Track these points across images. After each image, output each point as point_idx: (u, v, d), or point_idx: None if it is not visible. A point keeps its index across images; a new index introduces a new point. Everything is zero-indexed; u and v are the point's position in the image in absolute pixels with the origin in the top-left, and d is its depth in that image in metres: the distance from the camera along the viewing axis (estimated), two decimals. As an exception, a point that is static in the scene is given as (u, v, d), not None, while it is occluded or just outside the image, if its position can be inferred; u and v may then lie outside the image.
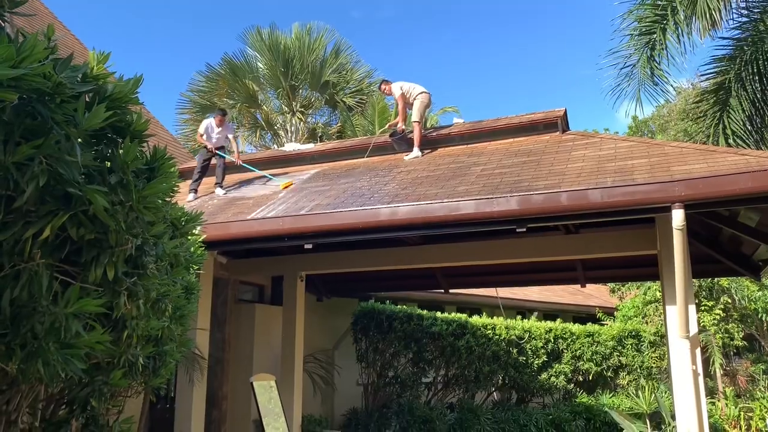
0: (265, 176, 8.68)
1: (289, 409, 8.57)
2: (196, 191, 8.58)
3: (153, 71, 47.88)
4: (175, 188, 2.84)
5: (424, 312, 12.52)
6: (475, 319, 12.99)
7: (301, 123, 19.67)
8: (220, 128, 8.89)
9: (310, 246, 6.90)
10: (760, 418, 12.89)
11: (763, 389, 14.61)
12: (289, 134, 19.50)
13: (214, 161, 8.90)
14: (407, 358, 12.03)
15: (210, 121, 8.96)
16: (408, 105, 9.01)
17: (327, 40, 19.22)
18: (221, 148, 8.90)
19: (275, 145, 19.22)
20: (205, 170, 8.78)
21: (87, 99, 2.06)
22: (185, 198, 8.37)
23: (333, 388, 11.44)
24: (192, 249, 3.99)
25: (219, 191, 8.52)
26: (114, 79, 2.20)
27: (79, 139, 1.93)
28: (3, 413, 2.55)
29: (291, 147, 10.25)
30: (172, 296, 3.36)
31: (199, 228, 3.97)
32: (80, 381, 2.80)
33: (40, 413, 2.91)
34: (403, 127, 8.94)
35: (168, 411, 8.24)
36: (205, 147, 8.85)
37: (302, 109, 19.70)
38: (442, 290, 11.61)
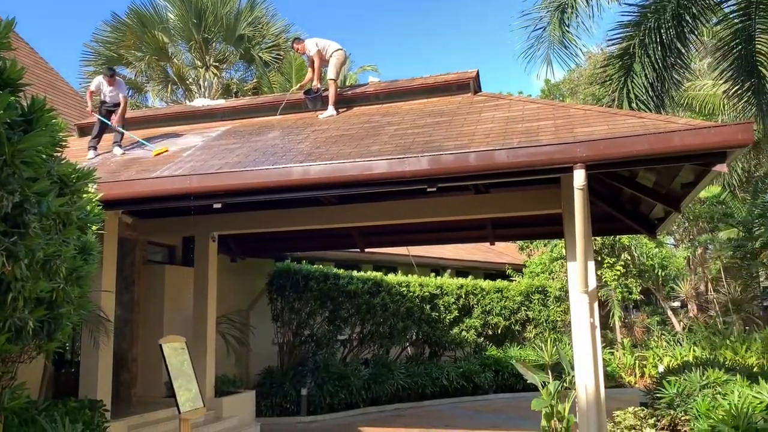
0: (140, 142, 8.19)
1: (201, 371, 8.48)
2: (95, 148, 8.12)
3: (56, 21, 44.79)
4: (62, 142, 2.66)
5: (341, 271, 12.61)
6: (391, 277, 13.21)
7: (215, 78, 18.99)
8: (112, 87, 8.39)
9: (219, 206, 6.73)
10: (652, 366, 13.91)
11: (656, 339, 15.75)
12: (203, 89, 18.82)
13: (114, 118, 8.42)
14: (323, 316, 12.13)
15: (101, 79, 8.45)
16: (324, 62, 8.85)
17: (242, -9, 18.51)
18: (116, 105, 8.39)
19: (187, 101, 18.49)
20: (104, 127, 8.31)
21: (-53, 42, 1.88)
22: (86, 155, 7.93)
23: (248, 349, 11.39)
24: (88, 208, 3.80)
25: (117, 150, 8.05)
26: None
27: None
28: None
29: (201, 102, 9.89)
30: (64, 257, 3.19)
31: (94, 186, 3.76)
32: (-40, 347, 2.64)
33: None
34: (318, 85, 8.79)
35: (74, 375, 7.96)
36: (95, 107, 8.39)
37: (216, 64, 19.00)
38: (359, 249, 11.70)
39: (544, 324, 15.51)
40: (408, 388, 12.06)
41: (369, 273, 13.07)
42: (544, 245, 18.05)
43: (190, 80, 19.18)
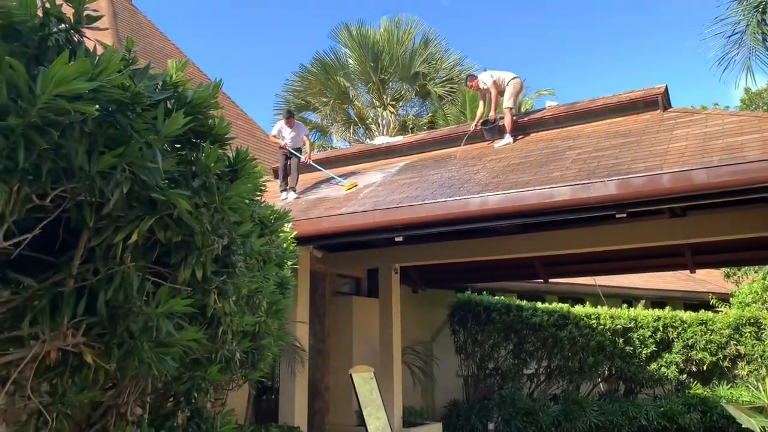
0: (333, 177, 8.67)
1: (389, 401, 8.65)
2: (287, 190, 8.77)
3: (250, 74, 49.75)
4: (262, 187, 2.90)
5: (524, 302, 12.26)
6: (578, 309, 12.57)
7: (392, 116, 19.79)
8: (291, 129, 8.91)
9: (400, 239, 6.90)
10: None
11: None
12: (381, 127, 19.68)
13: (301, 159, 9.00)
14: (507, 349, 11.84)
15: (281, 124, 9.04)
16: (500, 92, 8.80)
17: (415, 31, 19.25)
18: (297, 149, 8.93)
19: (368, 140, 19.44)
20: (287, 170, 8.91)
21: (168, 106, 2.13)
22: (279, 197, 8.59)
23: (433, 380, 11.43)
24: (284, 245, 4.08)
25: (291, 194, 8.56)
26: (195, 83, 2.28)
27: (164, 145, 2.00)
28: (113, 407, 2.71)
29: (380, 140, 10.31)
30: (265, 292, 3.44)
31: (289, 225, 4.05)
32: (180, 377, 2.92)
33: (149, 406, 3.06)
34: (494, 115, 8.76)
35: (273, 402, 8.53)
36: (280, 147, 8.98)
37: (393, 102, 19.82)
38: (542, 280, 11.33)
39: (759, 360, 13.72)
40: (602, 427, 11.28)
41: (554, 304, 12.55)
42: (755, 271, 16.09)
43: (369, 120, 20.17)
